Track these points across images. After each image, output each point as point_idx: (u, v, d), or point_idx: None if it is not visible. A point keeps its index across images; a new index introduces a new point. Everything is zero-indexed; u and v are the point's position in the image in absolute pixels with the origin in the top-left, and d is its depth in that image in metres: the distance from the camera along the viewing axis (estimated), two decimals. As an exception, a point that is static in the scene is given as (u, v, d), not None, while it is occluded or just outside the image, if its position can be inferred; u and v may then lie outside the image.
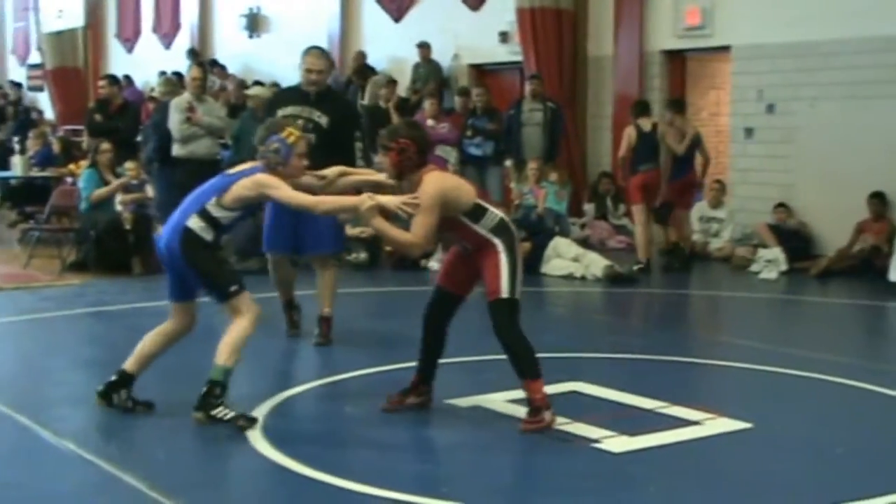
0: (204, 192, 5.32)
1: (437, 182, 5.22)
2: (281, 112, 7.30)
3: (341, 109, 7.62)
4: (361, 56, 15.76)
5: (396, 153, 5.23)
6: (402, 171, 5.27)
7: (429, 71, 14.72)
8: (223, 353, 5.22)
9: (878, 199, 11.03)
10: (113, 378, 5.51)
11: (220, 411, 5.19)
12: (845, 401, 6.14)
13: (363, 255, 11.26)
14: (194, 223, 5.22)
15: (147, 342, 5.52)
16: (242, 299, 5.27)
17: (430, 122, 12.20)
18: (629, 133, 11.04)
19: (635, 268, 10.74)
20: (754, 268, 11.09)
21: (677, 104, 11.72)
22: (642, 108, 11.34)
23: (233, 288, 5.25)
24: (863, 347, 8.03)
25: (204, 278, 5.27)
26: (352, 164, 7.44)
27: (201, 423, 5.19)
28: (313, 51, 7.53)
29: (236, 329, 5.23)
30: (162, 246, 5.33)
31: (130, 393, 5.51)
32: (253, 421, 5.25)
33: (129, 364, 5.50)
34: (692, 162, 11.53)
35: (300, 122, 7.18)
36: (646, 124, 11.05)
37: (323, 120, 7.35)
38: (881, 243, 10.77)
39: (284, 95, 7.89)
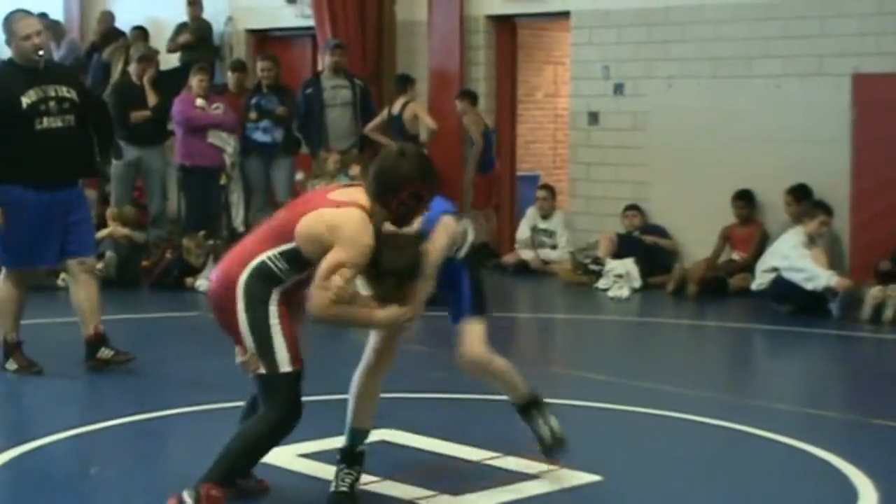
0: None
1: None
2: (25, 101, 6.98)
3: (78, 82, 7.52)
4: (108, 17, 15.37)
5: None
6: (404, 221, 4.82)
7: (197, 36, 14.39)
8: None
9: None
10: None
11: None
12: (701, 443, 6.32)
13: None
14: None
15: None
16: None
17: (199, 102, 12.03)
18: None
19: None
20: (601, 284, 11.33)
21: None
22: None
23: None
24: (720, 378, 8.28)
25: None
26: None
27: None
28: (22, 13, 7.27)
29: None
30: None
31: None
32: None
33: None
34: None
35: (52, 104, 7.05)
36: (396, 105, 12.32)
37: (73, 94, 7.18)
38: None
39: (6, 78, 7.18)
